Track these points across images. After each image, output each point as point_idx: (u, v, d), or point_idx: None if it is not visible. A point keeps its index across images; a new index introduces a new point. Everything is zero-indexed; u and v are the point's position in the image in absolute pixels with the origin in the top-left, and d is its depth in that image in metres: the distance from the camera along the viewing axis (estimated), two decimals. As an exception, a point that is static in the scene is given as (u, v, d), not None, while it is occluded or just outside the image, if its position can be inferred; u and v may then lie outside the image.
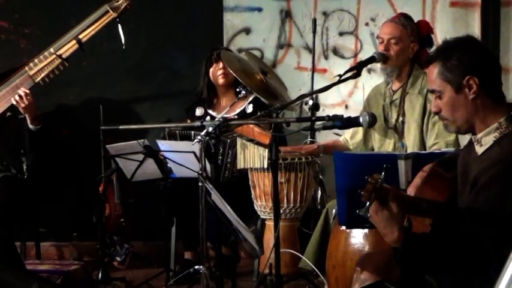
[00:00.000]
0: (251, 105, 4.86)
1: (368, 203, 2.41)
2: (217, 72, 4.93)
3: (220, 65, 4.89)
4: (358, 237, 3.52)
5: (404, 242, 2.38)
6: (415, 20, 4.16)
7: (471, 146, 2.60)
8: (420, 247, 2.43)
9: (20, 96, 4.59)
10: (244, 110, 4.88)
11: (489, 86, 2.51)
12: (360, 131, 4.26)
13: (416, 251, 2.42)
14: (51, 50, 4.71)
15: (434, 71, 2.52)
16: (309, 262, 3.98)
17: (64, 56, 4.70)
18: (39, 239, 5.12)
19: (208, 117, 4.93)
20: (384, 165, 2.45)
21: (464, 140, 4.24)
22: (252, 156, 4.38)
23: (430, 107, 3.93)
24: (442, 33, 4.27)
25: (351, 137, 4.33)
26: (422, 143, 3.98)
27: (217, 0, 5.45)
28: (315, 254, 3.98)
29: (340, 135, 4.43)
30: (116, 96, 5.52)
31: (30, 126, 4.72)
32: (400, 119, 4.05)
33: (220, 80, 4.93)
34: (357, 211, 2.47)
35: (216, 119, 4.21)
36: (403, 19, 4.09)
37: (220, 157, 4.56)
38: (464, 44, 2.57)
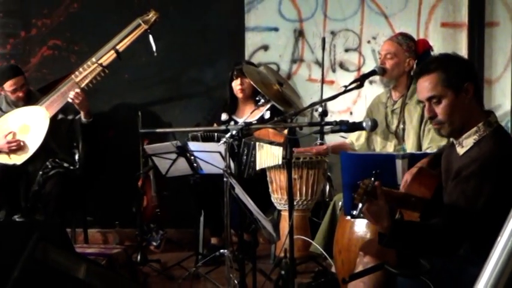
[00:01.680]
0: (268, 112, 4.83)
1: (360, 204, 2.40)
2: (236, 88, 4.92)
3: (239, 81, 4.87)
4: (361, 226, 3.51)
5: (391, 229, 2.40)
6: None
7: (453, 148, 2.62)
8: (403, 233, 2.45)
9: (74, 94, 4.65)
10: (262, 116, 4.84)
11: (477, 92, 2.58)
12: (363, 134, 4.24)
13: (400, 236, 2.44)
14: (93, 59, 4.75)
15: (434, 80, 2.53)
16: (318, 247, 3.98)
17: (104, 64, 4.74)
18: (87, 226, 5.15)
19: (232, 122, 4.94)
20: (373, 171, 2.45)
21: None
22: (266, 155, 4.38)
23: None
24: (434, 49, 4.25)
25: (356, 139, 4.31)
26: (419, 146, 3.97)
27: (239, 22, 5.45)
28: (324, 240, 3.97)
29: (346, 138, 4.42)
30: (153, 103, 5.53)
31: (83, 119, 4.78)
32: (401, 126, 4.02)
33: (239, 95, 4.93)
34: (351, 212, 2.47)
35: (239, 123, 4.21)
36: (400, 37, 4.07)
37: (245, 157, 4.56)
38: (458, 57, 2.65)
